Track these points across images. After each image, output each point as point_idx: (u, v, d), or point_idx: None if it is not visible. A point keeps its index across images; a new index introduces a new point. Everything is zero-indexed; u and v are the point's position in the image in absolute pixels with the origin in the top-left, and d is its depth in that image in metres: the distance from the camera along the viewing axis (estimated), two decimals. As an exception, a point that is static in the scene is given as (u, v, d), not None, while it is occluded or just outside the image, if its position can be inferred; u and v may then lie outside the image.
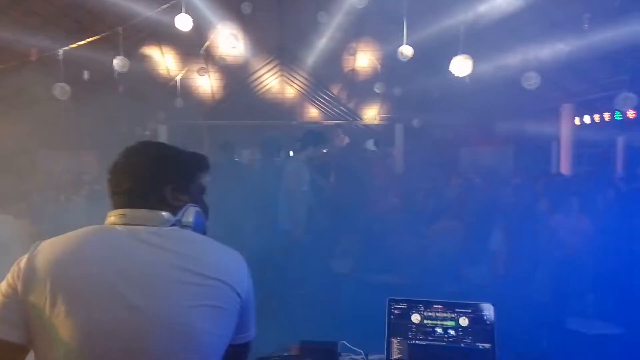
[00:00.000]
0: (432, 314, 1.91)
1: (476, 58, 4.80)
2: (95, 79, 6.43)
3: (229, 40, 7.31)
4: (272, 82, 10.87)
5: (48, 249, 1.13)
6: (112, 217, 1.21)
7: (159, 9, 5.40)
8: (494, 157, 9.51)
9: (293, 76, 10.56)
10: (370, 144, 5.78)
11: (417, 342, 1.89)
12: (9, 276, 1.10)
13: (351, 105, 10.96)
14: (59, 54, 5.11)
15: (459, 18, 5.26)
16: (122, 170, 1.24)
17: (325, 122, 10.88)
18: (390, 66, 8.47)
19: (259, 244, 4.13)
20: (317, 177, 4.76)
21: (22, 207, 4.41)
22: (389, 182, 5.72)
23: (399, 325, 1.91)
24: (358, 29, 8.21)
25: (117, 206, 1.22)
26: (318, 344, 2.02)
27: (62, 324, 1.05)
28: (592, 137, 7.52)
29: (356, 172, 5.06)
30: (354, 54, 9.04)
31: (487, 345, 1.85)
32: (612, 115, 7.05)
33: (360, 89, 9.94)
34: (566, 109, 7.78)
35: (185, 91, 9.47)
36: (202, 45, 8.34)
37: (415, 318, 1.91)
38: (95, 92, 6.40)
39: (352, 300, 3.69)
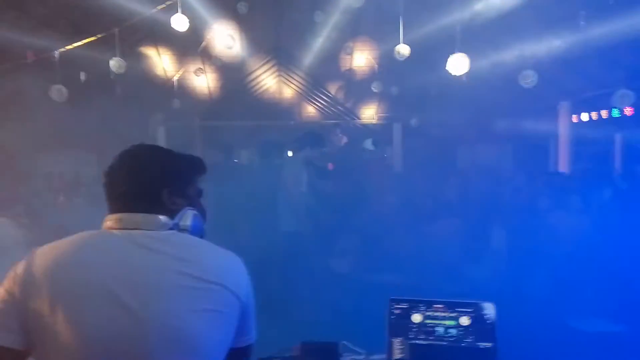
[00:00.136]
0: (433, 314, 1.91)
1: (473, 56, 4.80)
2: (92, 80, 6.41)
3: (225, 41, 7.29)
4: (269, 82, 10.85)
5: (46, 254, 1.12)
6: (110, 221, 1.20)
7: (155, 10, 5.39)
8: (493, 155, 9.52)
9: (290, 76, 10.55)
10: (368, 144, 5.78)
11: (418, 341, 1.89)
12: (5, 282, 1.10)
13: (349, 104, 10.95)
14: (55, 55, 5.09)
15: (456, 16, 5.25)
16: (118, 174, 1.23)
17: (323, 122, 10.87)
18: (387, 65, 8.46)
19: (259, 245, 4.12)
20: (316, 177, 4.76)
21: (21, 210, 4.40)
22: (388, 181, 5.72)
23: (400, 325, 1.91)
24: (355, 28, 8.19)
25: (114, 210, 1.21)
26: (319, 345, 2.02)
27: (62, 329, 1.04)
28: (590, 135, 7.53)
29: (355, 172, 5.06)
30: (351, 54, 9.02)
31: (489, 345, 1.85)
32: (609, 113, 7.05)
33: (358, 88, 9.93)
34: (564, 106, 7.79)
35: (182, 92, 9.45)
36: (199, 46, 8.32)
37: (416, 318, 1.91)
38: (92, 93, 6.38)
39: (353, 300, 3.68)
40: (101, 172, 1.26)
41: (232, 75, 9.87)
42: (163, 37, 8.07)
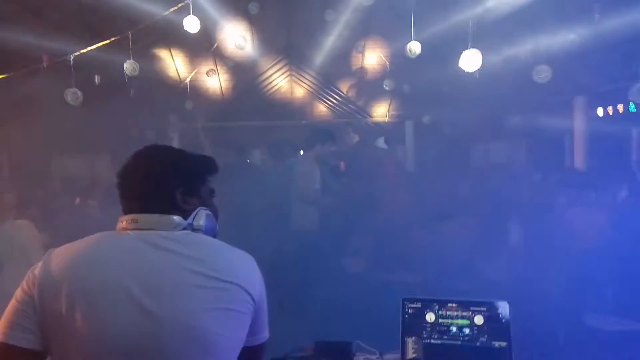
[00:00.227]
0: (447, 313, 1.90)
1: (486, 52, 4.75)
2: (106, 83, 6.48)
3: (237, 41, 7.33)
4: (281, 81, 10.88)
5: (62, 255, 1.14)
6: (124, 222, 1.22)
7: (167, 12, 5.43)
8: (507, 152, 9.43)
9: (302, 75, 10.56)
10: (381, 142, 5.77)
11: (432, 341, 1.88)
12: (24, 284, 1.12)
13: (360, 103, 10.93)
14: (70, 59, 5.16)
15: (468, 12, 5.21)
16: (132, 175, 1.25)
17: (335, 121, 10.86)
18: (399, 63, 8.42)
19: (271, 244, 4.13)
20: (328, 176, 4.76)
21: (37, 213, 4.47)
22: (401, 179, 5.70)
23: (414, 325, 1.90)
24: (366, 26, 8.17)
25: (128, 211, 1.23)
26: (333, 344, 2.03)
27: (79, 329, 1.06)
28: (606, 130, 7.41)
29: (367, 170, 5.05)
30: (362, 52, 9.00)
31: (504, 344, 1.83)
32: (626, 107, 6.94)
33: (369, 86, 9.90)
34: (579, 101, 7.67)
35: (195, 93, 9.51)
36: (211, 47, 8.37)
37: (430, 317, 1.90)
38: (106, 96, 6.46)
39: (366, 299, 3.67)
40: (115, 173, 1.28)
41: (244, 76, 9.91)
42: (175, 39, 8.14)
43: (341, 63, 9.31)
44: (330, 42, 8.17)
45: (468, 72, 4.80)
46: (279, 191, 4.65)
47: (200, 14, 5.28)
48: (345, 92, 10.66)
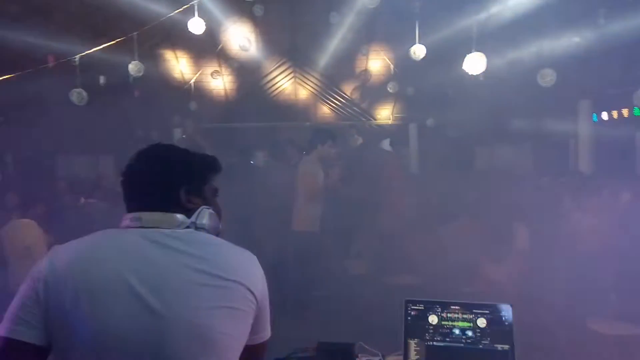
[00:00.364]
0: (450, 315, 1.89)
1: (490, 55, 4.75)
2: (111, 83, 6.51)
3: (241, 43, 7.35)
4: (285, 83, 10.89)
5: (67, 251, 1.15)
6: (128, 220, 1.22)
7: (172, 13, 5.45)
8: (511, 155, 9.40)
9: (306, 77, 10.57)
10: (386, 144, 5.77)
11: (434, 343, 1.87)
12: (28, 279, 1.13)
13: (364, 105, 10.93)
14: (76, 59, 5.19)
15: (472, 15, 5.21)
16: (136, 173, 1.26)
17: (339, 123, 10.86)
18: (403, 66, 8.43)
19: (274, 245, 4.14)
20: (331, 177, 4.76)
21: (42, 211, 4.49)
22: (405, 182, 5.69)
23: (416, 327, 1.90)
24: (370, 29, 8.18)
25: (132, 209, 1.24)
26: (335, 345, 2.02)
27: (83, 325, 1.07)
28: (611, 134, 7.39)
29: (371, 172, 5.05)
30: (366, 54, 9.01)
31: (506, 347, 1.82)
32: (630, 111, 6.91)
33: (373, 89, 9.90)
34: (584, 105, 7.65)
35: (199, 94, 9.54)
36: (215, 49, 8.39)
37: (433, 319, 1.89)
38: (111, 96, 6.49)
39: (369, 301, 3.68)
40: (121, 170, 1.29)
41: (248, 77, 9.94)
42: (180, 40, 8.17)
43: (345, 65, 9.33)
44: (334, 44, 8.19)
45: (472, 75, 4.80)
46: (282, 192, 4.66)
47: (205, 15, 5.30)
48: (349, 94, 10.66)
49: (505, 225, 4.23)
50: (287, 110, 11.00)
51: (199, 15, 5.04)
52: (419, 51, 5.44)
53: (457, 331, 1.87)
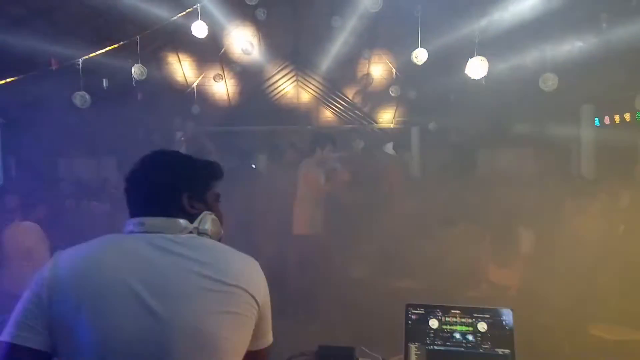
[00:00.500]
0: (450, 319, 1.89)
1: (492, 60, 4.76)
2: (114, 87, 6.53)
3: (244, 46, 7.37)
4: (287, 87, 10.91)
5: (70, 257, 1.16)
6: (131, 225, 1.23)
7: (175, 17, 5.48)
8: (513, 160, 9.39)
9: (308, 81, 10.59)
10: (389, 148, 5.78)
11: (435, 347, 1.88)
12: (32, 284, 1.13)
13: (366, 109, 10.94)
14: (79, 63, 5.21)
15: (474, 19, 5.22)
16: (139, 179, 1.27)
17: (341, 126, 10.88)
18: (405, 70, 8.44)
19: (276, 249, 4.14)
20: (332, 180, 4.77)
21: (44, 214, 4.49)
22: (406, 185, 5.70)
23: (417, 331, 1.90)
24: (372, 33, 8.20)
25: (135, 214, 1.24)
26: (336, 349, 2.03)
27: (86, 330, 1.07)
28: (614, 138, 7.38)
29: (373, 176, 5.05)
30: (368, 58, 9.03)
31: (507, 351, 1.83)
32: (633, 116, 6.91)
33: (375, 92, 9.92)
34: (586, 110, 7.65)
35: (202, 98, 9.56)
36: (218, 52, 8.42)
37: (433, 323, 1.90)
38: (114, 99, 6.51)
39: (370, 305, 3.67)
40: (123, 177, 1.30)
41: (251, 81, 9.96)
42: (183, 43, 8.21)
43: (347, 69, 9.35)
44: (336, 48, 8.21)
45: (474, 80, 4.81)
46: (283, 195, 4.67)
47: (208, 19, 5.32)
48: (351, 98, 10.68)
49: (507, 230, 4.22)
50: (289, 113, 11.01)
51: (202, 19, 5.06)
52: (421, 55, 5.46)
53: (457, 335, 1.87)
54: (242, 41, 7.47)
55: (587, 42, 5.55)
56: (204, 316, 1.12)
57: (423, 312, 1.92)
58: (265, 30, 8.25)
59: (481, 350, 1.84)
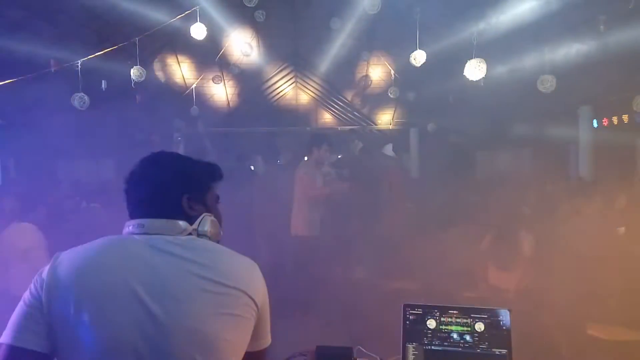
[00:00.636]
0: (448, 320, 1.90)
1: (491, 62, 4.78)
2: (113, 88, 6.54)
3: (243, 48, 7.39)
4: (286, 88, 10.94)
5: (69, 259, 1.16)
6: (131, 226, 1.23)
7: (174, 19, 5.49)
8: (511, 161, 9.41)
9: (307, 82, 10.62)
10: (388, 149, 5.79)
11: (432, 347, 1.88)
12: (32, 287, 1.14)
13: (365, 110, 10.97)
14: (78, 64, 5.22)
15: (473, 21, 5.24)
16: (139, 180, 1.27)
17: (340, 128, 10.90)
18: (403, 71, 8.46)
19: (274, 250, 4.14)
20: (331, 181, 4.78)
21: (42, 216, 4.49)
22: (405, 187, 5.71)
23: (415, 331, 1.91)
24: (371, 35, 8.23)
25: (134, 216, 1.25)
26: (334, 349, 2.03)
27: (86, 332, 1.08)
28: (612, 140, 7.40)
29: (371, 177, 5.06)
30: (367, 60, 9.06)
31: (504, 351, 1.83)
32: (631, 117, 6.93)
33: (374, 94, 9.94)
34: (584, 111, 7.67)
35: (201, 99, 9.58)
36: (217, 54, 8.44)
37: (431, 323, 1.90)
38: (113, 101, 6.51)
39: (368, 305, 3.67)
40: (122, 178, 1.30)
41: (250, 82, 9.98)
42: (182, 45, 8.22)
43: (346, 71, 9.37)
44: (335, 50, 8.23)
45: (473, 81, 4.83)
46: (281, 197, 4.67)
47: (207, 21, 5.34)
48: (350, 100, 10.70)
49: (505, 230, 4.23)
50: (288, 115, 11.04)
51: (201, 21, 5.08)
52: (419, 57, 5.48)
53: (455, 335, 1.88)
54: (241, 43, 7.48)
55: (585, 44, 5.57)
56: (203, 317, 1.13)
57: (421, 312, 1.93)
58: (264, 32, 8.28)
59: (478, 351, 1.85)
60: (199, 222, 1.26)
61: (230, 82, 9.97)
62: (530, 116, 7.85)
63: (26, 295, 1.14)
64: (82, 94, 5.28)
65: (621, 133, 7.24)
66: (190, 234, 1.24)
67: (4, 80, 5.02)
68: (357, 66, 9.50)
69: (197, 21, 5.09)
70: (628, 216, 4.22)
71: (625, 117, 7.13)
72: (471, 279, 3.82)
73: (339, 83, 10.20)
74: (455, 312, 1.91)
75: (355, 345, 2.08)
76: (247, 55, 7.64)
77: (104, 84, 6.39)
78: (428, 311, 1.92)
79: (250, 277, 1.24)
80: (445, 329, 1.89)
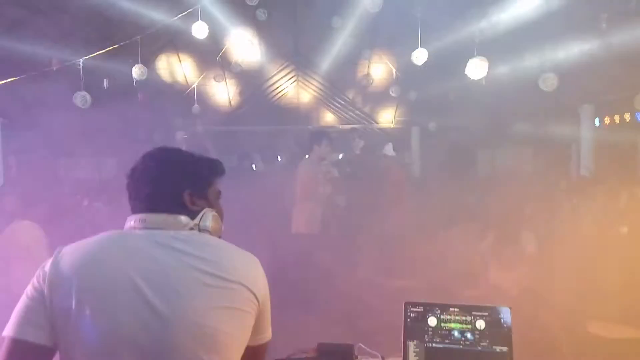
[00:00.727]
0: (449, 317, 1.91)
1: (492, 60, 4.77)
2: (114, 87, 6.55)
3: (244, 47, 7.39)
4: (287, 87, 10.94)
5: (72, 252, 1.17)
6: (133, 221, 1.24)
7: (176, 18, 5.50)
8: (513, 159, 9.41)
9: (308, 81, 10.62)
10: (389, 149, 5.80)
11: (433, 345, 1.89)
12: (34, 280, 1.15)
13: (367, 109, 10.97)
14: (79, 63, 5.23)
15: (474, 20, 5.24)
16: (141, 175, 1.28)
17: (341, 126, 10.90)
18: (405, 70, 8.46)
19: (275, 248, 4.15)
20: (333, 180, 4.78)
21: (44, 214, 4.50)
22: (406, 184, 5.71)
23: (416, 328, 1.91)
24: (372, 33, 8.22)
25: (136, 211, 1.26)
26: (335, 346, 2.04)
27: (88, 325, 1.09)
28: (613, 138, 7.39)
29: (373, 175, 5.07)
30: (368, 58, 9.05)
31: (505, 349, 1.84)
32: (632, 116, 6.93)
33: (376, 92, 9.93)
34: (585, 110, 7.67)
35: (202, 98, 9.58)
36: (219, 52, 8.44)
37: (432, 321, 1.91)
38: (114, 99, 6.52)
39: (369, 303, 3.68)
40: (123, 176, 1.31)
41: (251, 81, 9.98)
42: (184, 44, 8.22)
43: (348, 69, 9.36)
44: (336, 48, 8.22)
45: (474, 80, 4.83)
46: (283, 195, 4.68)
47: (209, 20, 5.34)
48: (351, 98, 10.70)
49: (507, 229, 4.23)
50: (289, 114, 11.04)
51: (202, 20, 5.08)
52: (421, 55, 5.48)
53: (456, 333, 1.88)
54: (243, 41, 7.49)
55: (587, 42, 5.56)
56: (205, 311, 1.14)
57: (422, 310, 1.93)
58: (265, 31, 8.26)
59: (479, 348, 1.85)
60: (201, 217, 1.27)
61: (232, 81, 9.97)
62: (531, 114, 7.85)
63: (29, 288, 1.15)
64: (84, 92, 5.30)
65: (623, 132, 7.24)
66: (192, 228, 1.25)
67: (6, 79, 5.04)
68: (358, 65, 9.49)
69: (198, 20, 5.09)
70: (629, 214, 4.22)
71: (627, 116, 7.12)
72: (472, 277, 3.82)
73: (341, 81, 10.19)
74: (456, 309, 1.91)
75: (356, 343, 2.09)
76: (249, 54, 7.65)
77: (105, 83, 6.40)
78: (429, 309, 1.93)
79: (251, 272, 1.25)
80: (446, 326, 1.90)
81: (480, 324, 1.87)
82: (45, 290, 1.12)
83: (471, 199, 5.10)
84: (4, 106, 5.89)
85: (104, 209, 5.57)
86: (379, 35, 8.44)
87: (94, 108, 5.42)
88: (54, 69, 5.56)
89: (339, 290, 3.86)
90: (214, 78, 9.31)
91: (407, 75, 8.46)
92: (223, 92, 10.21)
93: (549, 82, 5.16)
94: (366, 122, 10.94)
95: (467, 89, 6.11)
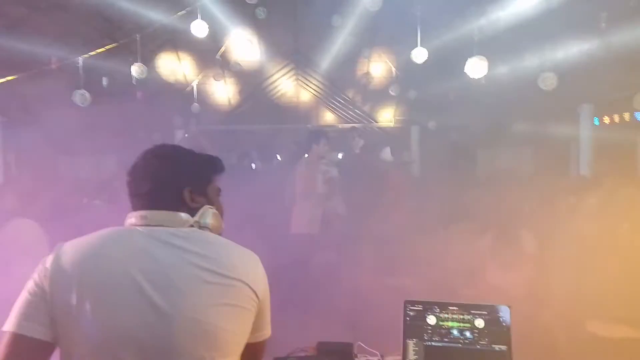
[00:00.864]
0: (448, 316, 1.91)
1: (492, 59, 4.77)
2: (114, 85, 6.55)
3: (244, 45, 7.38)
4: (287, 86, 10.92)
5: (73, 248, 1.17)
6: (133, 218, 1.25)
7: (175, 16, 5.49)
8: (513, 159, 9.41)
9: (308, 80, 10.60)
10: (387, 154, 5.80)
11: (432, 343, 1.89)
12: (35, 276, 1.15)
13: (366, 108, 10.96)
14: (79, 61, 5.23)
15: (474, 19, 5.23)
16: (142, 173, 1.28)
17: (341, 125, 10.90)
18: (404, 68, 8.46)
19: (274, 247, 4.14)
20: (332, 179, 4.78)
21: (44, 212, 4.50)
22: (406, 184, 5.71)
23: (415, 327, 1.91)
24: (372, 32, 8.21)
25: (137, 208, 1.26)
26: (334, 345, 2.05)
27: (89, 321, 1.09)
28: (613, 138, 7.39)
29: (372, 174, 5.07)
30: (368, 57, 9.04)
31: (504, 348, 1.84)
32: (632, 115, 6.93)
33: (376, 91, 9.93)
34: (585, 109, 7.67)
35: (202, 96, 9.57)
36: (218, 51, 8.43)
37: (431, 320, 1.91)
38: (114, 98, 6.52)
39: (369, 302, 3.68)
40: (123, 175, 1.31)
41: (251, 80, 9.97)
42: (183, 42, 8.21)
43: (347, 68, 9.35)
44: (336, 47, 8.22)
45: (474, 79, 4.83)
46: (282, 194, 4.68)
47: (208, 18, 5.33)
48: (351, 97, 10.69)
49: (506, 228, 4.23)
50: (289, 112, 11.03)
51: (202, 18, 5.07)
52: (420, 54, 5.47)
53: (455, 332, 1.89)
54: (242, 40, 7.48)
55: (587, 42, 5.56)
56: (205, 308, 1.14)
57: (421, 308, 1.93)
58: (265, 30, 8.25)
59: (478, 347, 1.86)
60: (201, 214, 1.28)
61: (231, 80, 9.96)
62: (531, 114, 7.85)
63: (29, 284, 1.15)
64: (84, 90, 5.29)
65: (622, 131, 7.24)
66: (192, 225, 1.25)
67: (5, 77, 5.03)
68: (358, 63, 9.49)
69: (198, 18, 5.08)
70: (629, 214, 4.22)
71: (626, 115, 7.12)
72: (472, 275, 3.83)
73: (340, 80, 10.19)
74: (455, 308, 1.92)
75: (356, 341, 2.09)
76: (248, 53, 7.64)
77: (105, 81, 6.39)
78: (428, 307, 1.93)
79: (251, 269, 1.26)
80: (445, 325, 1.90)
81: (480, 323, 1.88)
82: (46, 286, 1.12)
83: (471, 197, 5.10)
84: (4, 104, 5.89)
85: (103, 207, 5.57)
86: (379, 34, 8.44)
87: (94, 106, 5.42)
88: (54, 67, 5.56)
89: (339, 289, 3.86)
90: (214, 77, 9.29)
91: (406, 74, 8.46)
92: (222, 91, 10.20)
93: (549, 82, 5.15)
94: (366, 121, 10.94)
95: (466, 88, 6.12)
